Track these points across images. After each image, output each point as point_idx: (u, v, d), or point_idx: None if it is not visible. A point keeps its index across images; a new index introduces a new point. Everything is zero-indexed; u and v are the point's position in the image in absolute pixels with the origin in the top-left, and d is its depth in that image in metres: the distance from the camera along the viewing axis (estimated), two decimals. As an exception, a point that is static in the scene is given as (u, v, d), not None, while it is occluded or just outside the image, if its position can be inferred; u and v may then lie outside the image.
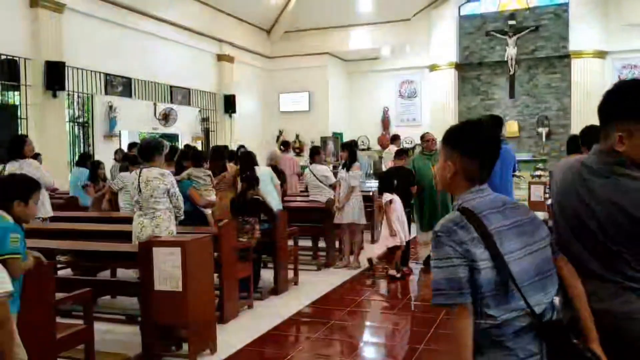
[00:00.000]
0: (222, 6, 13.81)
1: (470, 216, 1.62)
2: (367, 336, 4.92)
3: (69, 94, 10.01)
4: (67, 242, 5.02)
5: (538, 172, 11.77)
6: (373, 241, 8.80)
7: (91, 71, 10.38)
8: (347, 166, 6.97)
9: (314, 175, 7.55)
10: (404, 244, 6.51)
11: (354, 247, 7.20)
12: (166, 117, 12.21)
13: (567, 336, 1.62)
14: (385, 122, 16.90)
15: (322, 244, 7.48)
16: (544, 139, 14.92)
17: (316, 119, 16.15)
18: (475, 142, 1.69)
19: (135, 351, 4.10)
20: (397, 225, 6.36)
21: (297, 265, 6.43)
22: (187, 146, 9.39)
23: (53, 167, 7.93)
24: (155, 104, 12.08)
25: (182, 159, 6.49)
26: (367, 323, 5.31)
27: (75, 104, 10.60)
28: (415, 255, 7.42)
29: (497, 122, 5.35)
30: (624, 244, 1.66)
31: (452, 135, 1.74)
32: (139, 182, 4.55)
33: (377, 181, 9.19)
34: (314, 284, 6.30)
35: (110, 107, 10.87)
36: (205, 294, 4.16)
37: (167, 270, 3.88)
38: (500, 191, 1.79)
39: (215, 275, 4.63)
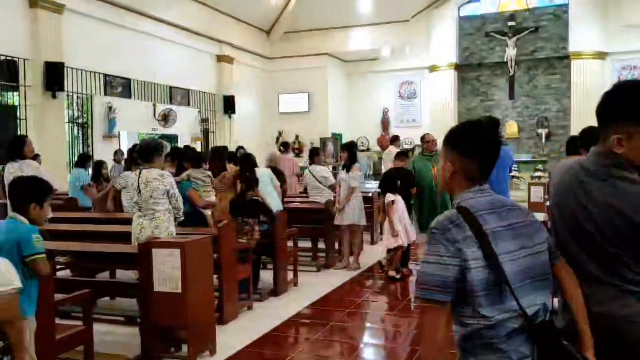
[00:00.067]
0: (222, 7, 13.81)
1: (466, 215, 1.63)
2: (366, 337, 4.91)
3: (68, 95, 10.00)
4: (66, 243, 5.02)
5: (538, 173, 11.80)
6: (373, 242, 8.80)
7: (90, 72, 10.38)
8: (347, 167, 6.97)
9: (313, 176, 7.55)
10: (406, 244, 6.50)
11: (353, 248, 7.19)
12: (165, 118, 12.21)
13: (558, 338, 1.62)
14: (385, 123, 16.90)
15: (321, 245, 7.47)
16: (543, 140, 14.93)
17: (316, 119, 16.15)
18: (474, 142, 1.70)
19: (134, 352, 4.10)
20: (399, 225, 6.36)
21: (296, 267, 6.42)
22: (186, 147, 9.39)
23: (52, 168, 7.92)
24: (154, 105, 12.07)
25: (182, 159, 6.48)
26: (367, 324, 5.31)
27: (74, 104, 10.59)
28: (415, 256, 7.41)
29: (493, 124, 5.34)
30: (621, 246, 1.65)
31: (452, 136, 1.75)
32: (138, 183, 4.55)
33: (376, 182, 9.20)
34: (314, 285, 6.29)
35: (110, 107, 10.86)
36: (204, 295, 4.15)
37: (167, 272, 3.88)
38: (496, 191, 1.79)
39: (215, 276, 4.62)
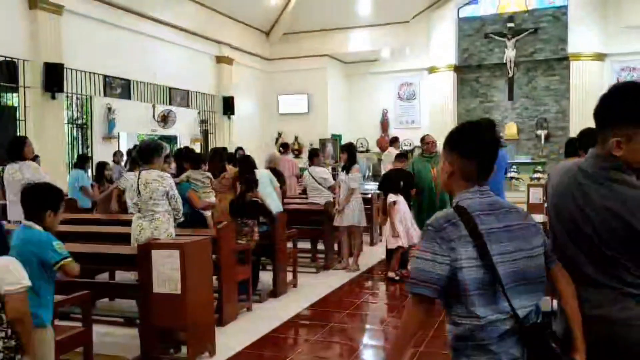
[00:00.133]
0: (221, 8, 13.81)
1: (463, 214, 1.65)
2: (366, 339, 4.92)
3: (67, 96, 9.99)
4: (65, 245, 4.99)
5: (537, 175, 11.80)
6: (372, 243, 8.81)
7: (90, 73, 10.37)
8: (347, 168, 6.97)
9: (313, 177, 7.56)
10: (406, 245, 6.50)
11: (353, 250, 7.19)
12: (165, 119, 12.20)
13: (547, 341, 1.63)
14: (384, 124, 16.91)
15: (321, 246, 7.47)
16: (542, 142, 14.94)
17: (315, 120, 16.15)
18: (472, 143, 1.72)
19: (134, 354, 4.10)
20: (400, 226, 6.35)
21: (296, 268, 6.42)
22: (186, 148, 9.39)
23: (51, 169, 7.91)
24: (154, 106, 12.07)
25: (181, 160, 6.49)
26: (366, 325, 5.31)
27: (74, 105, 10.59)
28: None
29: (491, 126, 5.36)
30: (618, 249, 1.65)
31: (452, 137, 1.77)
32: (138, 184, 4.55)
33: (376, 183, 9.19)
34: (313, 287, 6.29)
35: (109, 108, 10.86)
36: (204, 296, 4.15)
37: (166, 273, 3.88)
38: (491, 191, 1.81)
39: (214, 277, 4.62)
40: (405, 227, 6.41)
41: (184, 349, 4.12)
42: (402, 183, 6.45)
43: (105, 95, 10.90)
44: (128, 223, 4.93)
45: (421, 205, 6.72)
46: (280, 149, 10.46)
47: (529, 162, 14.39)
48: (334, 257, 7.44)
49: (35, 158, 6.44)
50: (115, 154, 9.71)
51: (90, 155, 10.17)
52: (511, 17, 14.86)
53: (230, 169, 6.71)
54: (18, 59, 8.93)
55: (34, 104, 9.05)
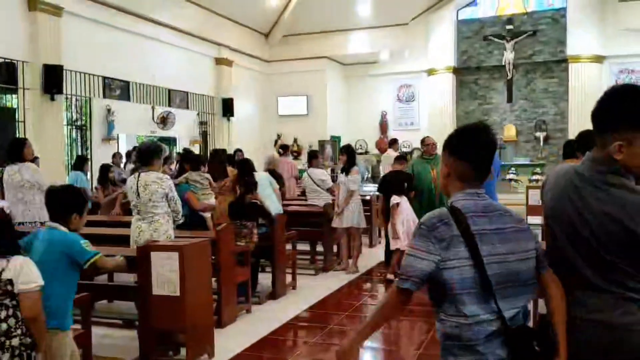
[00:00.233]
0: (221, 10, 13.82)
1: (456, 214, 1.69)
2: (365, 341, 4.90)
3: (67, 97, 9.99)
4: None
5: (536, 177, 11.79)
6: (371, 245, 8.81)
7: (89, 74, 10.37)
8: (346, 170, 6.97)
9: (312, 179, 7.56)
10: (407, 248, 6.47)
11: (352, 251, 7.19)
12: (164, 121, 12.20)
13: (531, 343, 1.66)
14: (383, 126, 16.91)
15: (320, 248, 7.47)
16: (541, 143, 14.94)
17: (314, 122, 16.15)
18: (468, 146, 1.76)
19: (132, 356, 4.09)
20: (400, 228, 6.33)
21: (295, 270, 6.42)
22: (185, 150, 9.40)
23: (51, 171, 7.91)
24: (153, 108, 12.07)
25: (182, 162, 6.49)
26: (365, 327, 5.29)
27: (73, 107, 10.59)
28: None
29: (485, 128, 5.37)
30: (617, 253, 1.64)
31: (449, 140, 1.82)
32: (137, 186, 4.55)
33: (375, 185, 9.20)
34: (312, 288, 6.29)
35: (109, 110, 10.86)
36: (203, 298, 4.15)
37: (165, 275, 3.87)
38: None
39: (213, 279, 4.62)
40: (408, 228, 6.40)
41: (183, 351, 4.12)
42: (406, 185, 6.45)
43: (104, 96, 10.90)
44: (127, 225, 4.93)
45: (421, 207, 6.73)
46: (280, 150, 10.46)
47: (528, 164, 14.40)
48: (333, 259, 7.44)
49: (34, 159, 6.44)
50: (114, 156, 9.71)
51: (89, 156, 10.17)
52: (510, 20, 14.88)
53: (231, 171, 6.71)
54: (17, 61, 8.93)
55: (33, 105, 9.04)
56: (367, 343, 4.85)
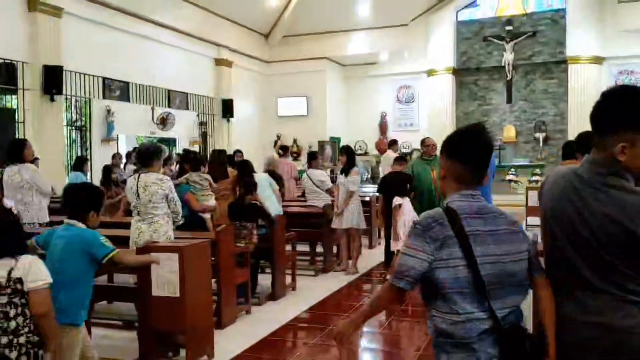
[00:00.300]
0: (220, 10, 13.83)
1: (451, 215, 1.73)
2: (364, 342, 4.91)
3: (66, 98, 10.00)
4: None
5: (535, 177, 11.80)
6: (371, 246, 8.81)
7: (89, 75, 10.37)
8: (346, 171, 6.97)
9: (311, 180, 7.56)
10: None
11: (352, 252, 7.19)
12: (164, 122, 12.21)
13: (522, 343, 1.70)
14: (383, 127, 16.93)
15: (319, 249, 7.47)
16: (541, 144, 14.96)
17: (314, 123, 16.17)
18: (464, 148, 1.80)
19: (132, 357, 4.09)
20: (401, 229, 6.33)
21: (294, 271, 6.41)
22: (185, 151, 9.39)
23: (50, 171, 7.91)
24: (153, 108, 12.07)
25: (183, 162, 6.49)
26: (365, 329, 5.29)
27: (72, 107, 10.59)
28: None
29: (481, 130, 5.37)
30: (617, 255, 1.63)
31: (446, 142, 1.86)
32: (137, 187, 4.55)
33: (374, 186, 9.20)
34: (312, 290, 6.29)
35: (108, 111, 10.86)
36: (202, 299, 4.15)
37: (165, 276, 3.87)
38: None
39: (213, 280, 4.62)
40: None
41: (182, 352, 4.11)
42: (409, 186, 6.45)
43: (104, 97, 10.90)
44: (127, 226, 4.93)
45: (421, 208, 6.73)
46: (280, 151, 10.46)
47: (528, 164, 14.42)
48: (333, 259, 7.44)
49: (34, 160, 6.44)
50: (114, 157, 9.71)
51: (89, 157, 10.17)
52: (510, 20, 14.90)
53: (231, 172, 6.71)
54: (17, 61, 8.94)
55: (32, 106, 9.05)
56: (368, 344, 4.86)
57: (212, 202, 6.18)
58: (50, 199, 5.85)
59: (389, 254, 6.87)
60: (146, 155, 4.66)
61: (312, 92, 16.26)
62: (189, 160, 6.49)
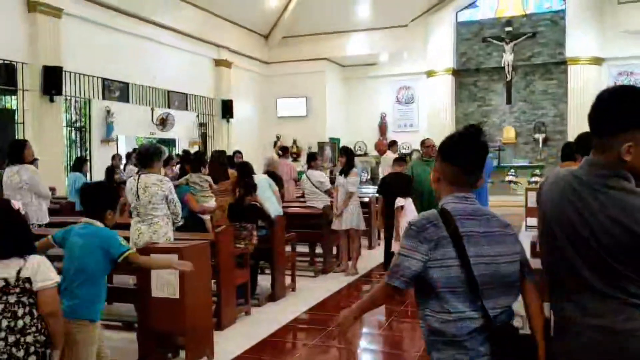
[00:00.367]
0: (220, 11, 13.84)
1: (445, 216, 1.76)
2: (364, 343, 4.91)
3: (66, 99, 10.00)
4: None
5: (535, 178, 11.79)
6: (371, 247, 8.80)
7: (89, 76, 10.38)
8: (345, 172, 6.97)
9: (310, 181, 7.56)
10: None
11: (352, 253, 7.18)
12: (163, 122, 12.21)
13: (516, 342, 1.74)
14: (383, 128, 16.94)
15: (319, 250, 7.47)
16: (540, 145, 14.97)
17: (313, 124, 16.17)
18: (459, 151, 1.84)
19: (131, 358, 4.09)
20: (401, 231, 6.33)
21: (294, 272, 6.41)
22: (185, 151, 9.39)
23: (50, 172, 7.92)
24: (152, 109, 12.08)
25: (183, 162, 6.48)
26: (365, 330, 5.30)
27: (72, 108, 10.59)
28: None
29: (477, 132, 5.37)
30: (618, 257, 1.62)
31: (442, 145, 1.91)
32: (137, 188, 4.55)
33: (374, 187, 9.19)
34: (312, 290, 6.29)
35: (108, 111, 10.87)
36: (202, 300, 4.15)
37: (164, 277, 3.87)
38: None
39: (213, 281, 4.62)
40: None
41: (182, 353, 4.11)
42: (411, 187, 6.44)
43: (104, 98, 10.91)
44: (127, 227, 4.92)
45: (422, 208, 6.73)
46: (279, 152, 10.46)
47: (527, 165, 14.42)
48: (333, 260, 7.44)
49: (34, 161, 6.44)
50: (113, 157, 9.71)
51: (88, 158, 10.16)
52: (509, 21, 14.91)
53: (231, 173, 6.70)
54: (17, 62, 8.94)
55: (32, 106, 9.05)
56: (368, 345, 4.86)
57: (212, 203, 6.17)
58: (50, 201, 5.84)
59: (388, 255, 6.86)
60: (146, 156, 4.66)
61: (311, 93, 16.26)
62: (190, 161, 6.49)
